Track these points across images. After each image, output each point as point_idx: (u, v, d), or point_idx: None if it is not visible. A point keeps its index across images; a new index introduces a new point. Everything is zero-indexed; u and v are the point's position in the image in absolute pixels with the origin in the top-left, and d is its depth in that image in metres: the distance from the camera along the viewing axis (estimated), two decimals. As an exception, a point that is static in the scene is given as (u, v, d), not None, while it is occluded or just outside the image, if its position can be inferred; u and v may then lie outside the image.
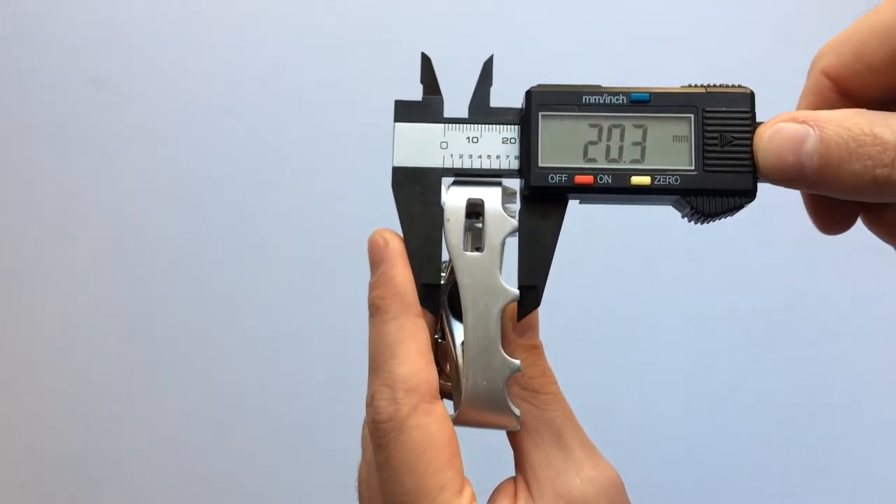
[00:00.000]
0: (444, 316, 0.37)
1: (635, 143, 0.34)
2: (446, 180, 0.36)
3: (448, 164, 0.35)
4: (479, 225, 0.35)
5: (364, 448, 0.37)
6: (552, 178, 0.34)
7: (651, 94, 0.34)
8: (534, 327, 0.37)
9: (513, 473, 0.37)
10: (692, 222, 0.35)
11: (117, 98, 0.88)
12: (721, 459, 0.84)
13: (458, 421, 0.35)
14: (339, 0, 0.88)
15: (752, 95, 0.34)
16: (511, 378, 0.35)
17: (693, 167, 0.34)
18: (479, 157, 0.36)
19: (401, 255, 0.36)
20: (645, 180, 0.34)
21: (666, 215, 0.37)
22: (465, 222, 0.35)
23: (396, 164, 0.36)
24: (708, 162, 0.34)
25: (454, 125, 0.36)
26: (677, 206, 0.35)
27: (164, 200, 0.87)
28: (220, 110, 0.87)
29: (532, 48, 0.86)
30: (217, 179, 0.87)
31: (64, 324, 0.87)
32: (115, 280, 0.87)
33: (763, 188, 0.34)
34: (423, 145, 0.36)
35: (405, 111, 0.36)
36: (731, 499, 0.84)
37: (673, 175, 0.34)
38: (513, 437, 0.36)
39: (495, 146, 0.36)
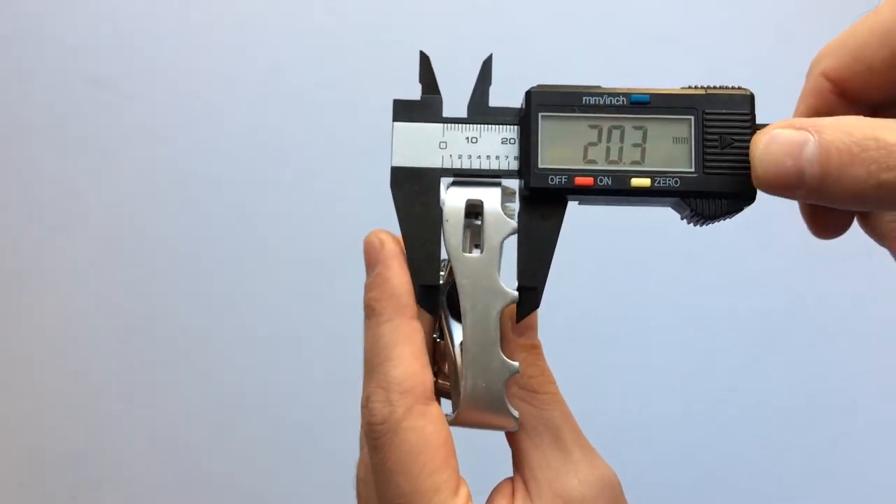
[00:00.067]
0: (442, 316, 0.37)
1: (635, 145, 0.34)
2: (445, 180, 0.36)
3: (447, 165, 0.35)
4: (479, 222, 0.35)
5: (361, 447, 0.37)
6: (552, 180, 0.34)
7: (651, 95, 0.34)
8: (533, 327, 0.37)
9: (510, 474, 0.37)
10: (691, 224, 0.35)
11: (117, 98, 0.88)
12: (720, 460, 0.84)
13: (456, 422, 0.35)
14: (339, 0, 0.88)
15: (752, 97, 0.34)
16: (510, 378, 0.35)
17: (693, 169, 0.34)
18: (479, 157, 0.35)
19: (396, 256, 0.36)
20: (645, 182, 0.34)
21: (665, 217, 0.37)
22: (465, 221, 0.35)
23: (395, 165, 0.36)
24: (708, 164, 0.34)
25: (453, 125, 0.36)
26: (677, 208, 0.35)
27: (164, 200, 0.87)
28: (220, 110, 0.87)
29: (532, 48, 0.85)
30: (217, 179, 0.87)
31: (64, 324, 0.87)
32: (115, 280, 0.87)
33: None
34: (422, 145, 0.35)
35: (404, 111, 0.36)
36: (730, 500, 0.84)
37: (673, 177, 0.34)
38: (511, 437, 0.36)
39: (494, 146, 0.35)
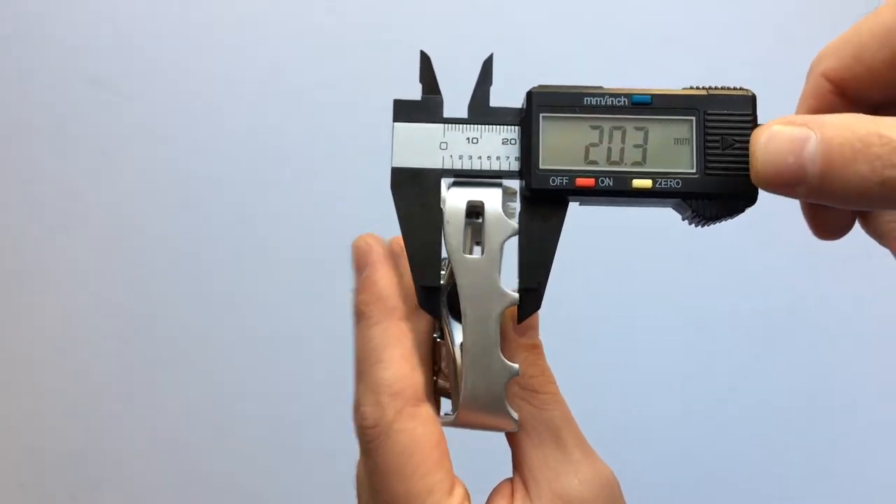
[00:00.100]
0: (443, 316, 0.37)
1: (636, 146, 0.34)
2: (446, 181, 0.36)
3: (448, 165, 0.35)
4: (480, 220, 0.35)
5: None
6: (553, 181, 0.34)
7: (652, 96, 0.34)
8: (534, 327, 0.36)
9: (508, 474, 0.37)
10: (692, 225, 0.35)
11: (117, 98, 0.88)
12: (720, 460, 0.84)
13: (455, 422, 0.35)
14: (339, 0, 0.88)
15: (753, 98, 0.34)
16: (509, 380, 0.35)
17: (694, 170, 0.34)
18: (479, 158, 0.35)
19: (383, 259, 0.36)
20: (646, 184, 0.34)
21: (666, 218, 0.37)
22: (465, 221, 0.35)
23: (395, 165, 0.35)
24: (709, 165, 0.34)
25: (454, 125, 0.35)
26: (678, 209, 0.35)
27: (164, 200, 0.87)
28: (220, 110, 0.87)
29: (532, 48, 0.85)
30: (217, 179, 0.87)
31: (64, 324, 0.87)
32: (115, 280, 0.87)
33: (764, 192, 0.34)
34: (423, 146, 0.35)
35: (404, 111, 0.36)
36: (730, 500, 0.84)
37: (674, 178, 0.34)
38: (511, 437, 0.36)
39: (495, 147, 0.35)
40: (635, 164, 0.34)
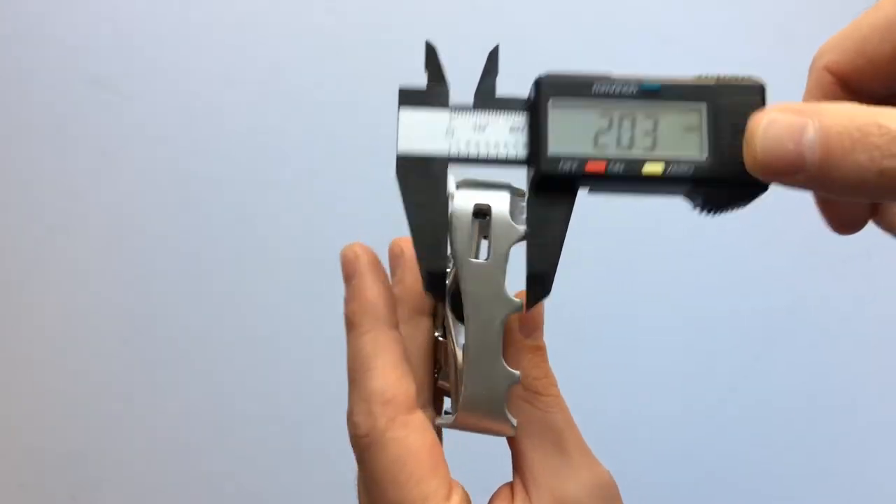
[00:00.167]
0: (446, 317, 0.36)
1: (646, 133, 0.34)
2: (452, 181, 0.35)
3: (454, 152, 0.34)
4: (487, 218, 0.35)
5: None
6: (563, 166, 0.33)
7: (662, 84, 0.34)
8: (539, 328, 0.36)
9: (508, 477, 0.37)
10: (703, 213, 0.35)
11: (117, 98, 0.88)
12: (720, 460, 0.84)
13: (454, 425, 0.35)
14: (338, 0, 0.88)
15: (762, 87, 0.34)
16: (510, 386, 0.34)
17: (705, 157, 0.33)
18: (486, 144, 0.34)
19: (371, 268, 0.36)
20: (657, 169, 0.33)
21: (666, 218, 0.37)
22: (472, 222, 0.35)
23: (401, 152, 0.34)
24: (720, 153, 0.33)
25: (460, 112, 0.35)
26: (688, 197, 0.35)
27: (164, 200, 0.87)
28: (220, 110, 0.87)
29: (532, 48, 0.85)
30: (217, 179, 0.87)
31: (64, 324, 0.87)
32: (115, 280, 0.87)
33: (772, 187, 0.34)
34: (429, 133, 0.34)
35: (410, 98, 0.35)
36: (730, 500, 0.84)
37: (685, 164, 0.33)
38: (511, 440, 0.36)
39: (503, 134, 0.35)
40: (646, 149, 0.33)
